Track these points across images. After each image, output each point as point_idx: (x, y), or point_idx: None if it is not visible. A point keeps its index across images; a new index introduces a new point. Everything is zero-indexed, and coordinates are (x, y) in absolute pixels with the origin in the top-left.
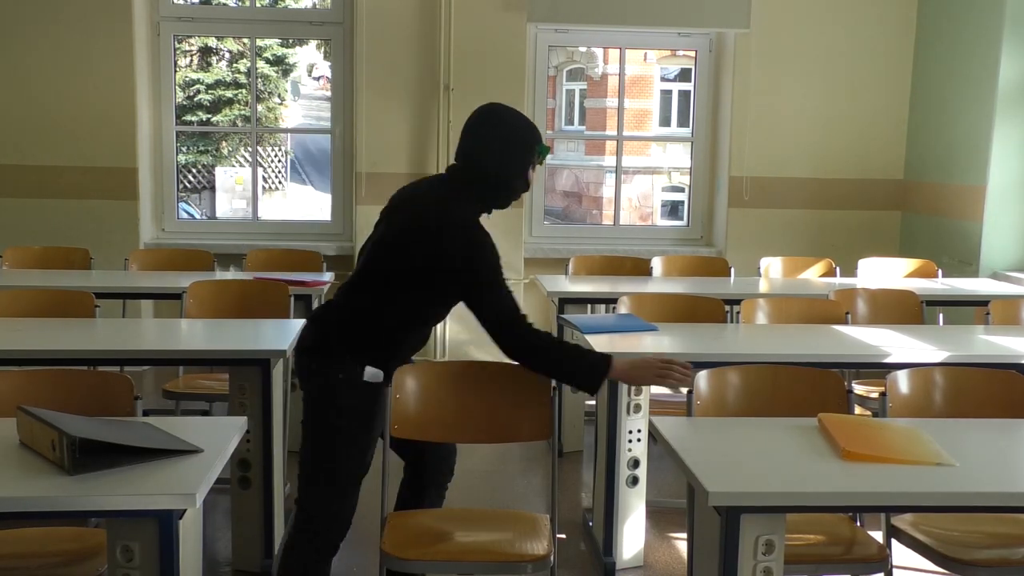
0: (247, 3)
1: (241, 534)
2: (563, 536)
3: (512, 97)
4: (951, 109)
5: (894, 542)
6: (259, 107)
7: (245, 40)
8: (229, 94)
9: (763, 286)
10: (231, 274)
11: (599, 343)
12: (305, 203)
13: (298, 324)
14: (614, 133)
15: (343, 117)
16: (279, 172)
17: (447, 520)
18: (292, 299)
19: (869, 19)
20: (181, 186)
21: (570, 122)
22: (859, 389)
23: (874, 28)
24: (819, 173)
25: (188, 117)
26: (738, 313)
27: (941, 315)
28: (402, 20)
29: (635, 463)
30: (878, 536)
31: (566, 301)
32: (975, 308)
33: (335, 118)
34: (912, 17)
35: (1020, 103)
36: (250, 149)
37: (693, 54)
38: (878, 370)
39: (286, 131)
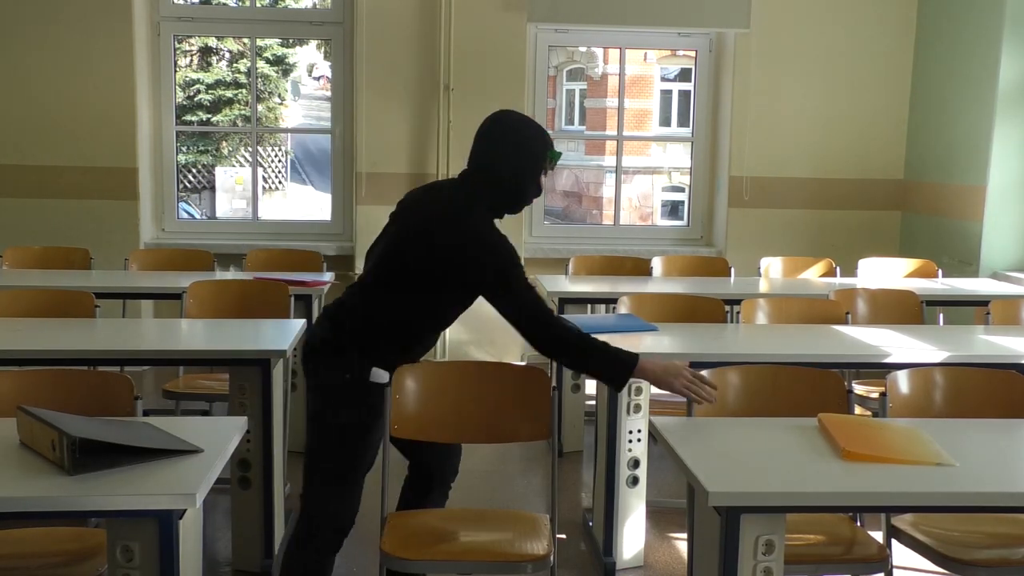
0: (247, 3)
1: (241, 534)
2: (563, 536)
3: (512, 97)
4: (951, 109)
5: (894, 542)
6: (259, 107)
7: (245, 40)
8: (229, 94)
9: (763, 286)
10: (231, 274)
11: None
12: (305, 203)
13: (298, 324)
14: (614, 133)
15: (343, 117)
16: (279, 172)
17: (447, 520)
18: (292, 299)
19: (869, 19)
20: (181, 186)
21: (570, 122)
22: (859, 389)
23: (874, 28)
24: (819, 173)
25: (188, 117)
26: (738, 313)
27: (941, 315)
28: (402, 20)
29: (635, 463)
30: (878, 536)
31: (566, 301)
32: (975, 308)
33: (335, 118)
34: (912, 17)
35: (1020, 103)
36: (250, 149)
37: (693, 54)
38: (878, 370)
39: (286, 131)
